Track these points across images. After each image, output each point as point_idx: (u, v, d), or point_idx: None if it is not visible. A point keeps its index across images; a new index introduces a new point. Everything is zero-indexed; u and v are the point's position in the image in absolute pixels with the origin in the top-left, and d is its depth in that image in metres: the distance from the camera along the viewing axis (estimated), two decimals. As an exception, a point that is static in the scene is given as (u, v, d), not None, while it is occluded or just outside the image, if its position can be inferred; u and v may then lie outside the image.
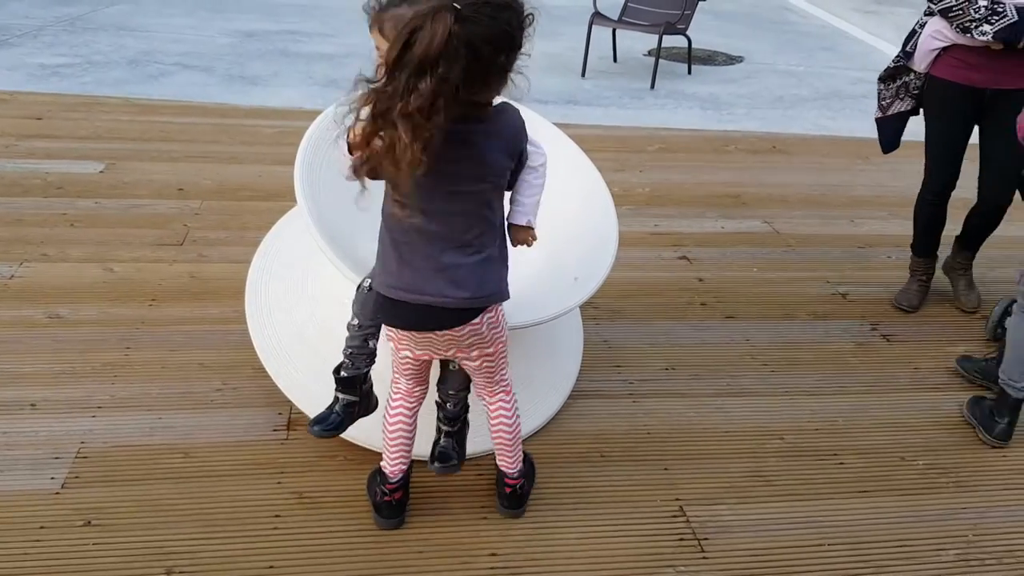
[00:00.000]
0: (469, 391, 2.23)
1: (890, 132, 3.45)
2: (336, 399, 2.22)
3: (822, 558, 2.17)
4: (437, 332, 1.90)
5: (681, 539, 2.20)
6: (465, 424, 2.30)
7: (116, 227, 3.71)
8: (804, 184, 4.74)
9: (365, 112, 1.61)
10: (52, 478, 2.26)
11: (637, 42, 7.67)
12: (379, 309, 1.96)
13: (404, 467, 2.16)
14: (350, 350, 2.17)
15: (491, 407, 2.15)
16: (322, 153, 2.42)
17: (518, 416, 2.18)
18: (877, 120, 3.47)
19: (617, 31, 7.22)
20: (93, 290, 3.19)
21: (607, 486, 2.38)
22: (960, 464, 2.55)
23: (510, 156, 1.85)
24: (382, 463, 2.17)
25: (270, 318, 2.59)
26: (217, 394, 2.65)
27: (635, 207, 4.28)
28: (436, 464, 2.22)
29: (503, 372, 2.10)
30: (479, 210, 1.83)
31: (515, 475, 2.20)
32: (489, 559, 2.11)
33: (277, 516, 2.19)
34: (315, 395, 2.39)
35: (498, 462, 2.22)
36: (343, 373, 2.20)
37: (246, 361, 2.78)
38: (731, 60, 7.70)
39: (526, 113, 2.69)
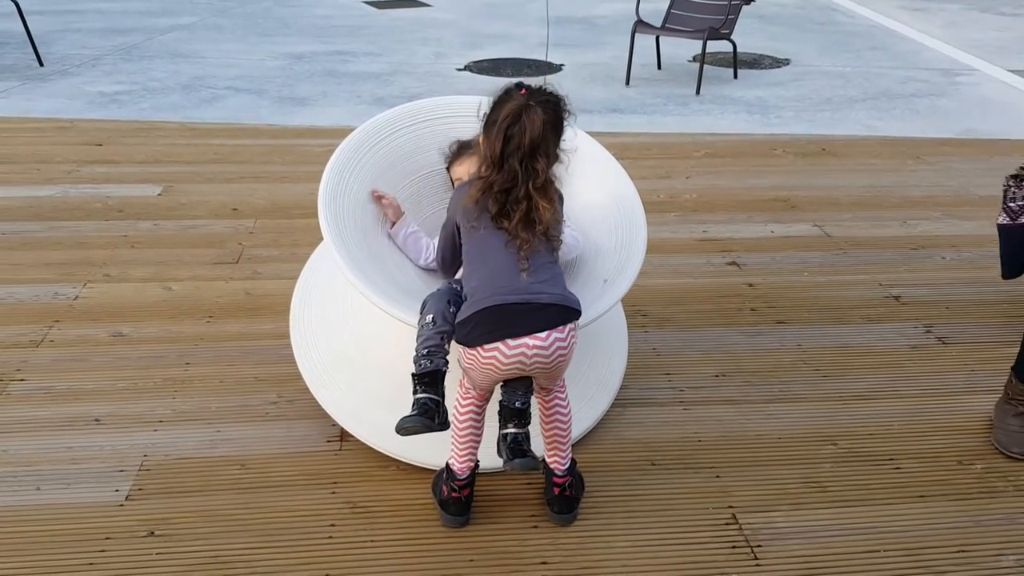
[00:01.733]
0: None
1: (1018, 246, 2.81)
2: (417, 401, 2.08)
3: (878, 564, 2.14)
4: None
5: (734, 547, 2.19)
6: (530, 419, 2.24)
7: (174, 247, 3.82)
8: (855, 186, 4.68)
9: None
10: (117, 490, 2.34)
11: (681, 49, 7.65)
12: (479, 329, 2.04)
13: (472, 463, 2.23)
14: (426, 349, 2.09)
15: (547, 402, 2.21)
16: (344, 181, 2.48)
17: (571, 412, 2.25)
18: (1001, 228, 2.83)
19: (661, 38, 7.22)
20: (154, 308, 3.30)
21: (658, 494, 2.38)
22: (1019, 467, 2.49)
23: None
24: (450, 460, 2.23)
25: (315, 345, 2.65)
26: (272, 407, 2.71)
27: (682, 213, 4.27)
28: (516, 460, 2.12)
29: (563, 376, 2.20)
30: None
31: (564, 471, 2.24)
32: (540, 567, 2.12)
33: (332, 525, 2.24)
34: (365, 418, 2.45)
35: (548, 460, 2.26)
36: (422, 367, 2.09)
37: (299, 374, 2.83)
38: (777, 63, 7.64)
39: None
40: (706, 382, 2.90)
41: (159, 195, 4.41)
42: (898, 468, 2.48)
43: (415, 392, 2.10)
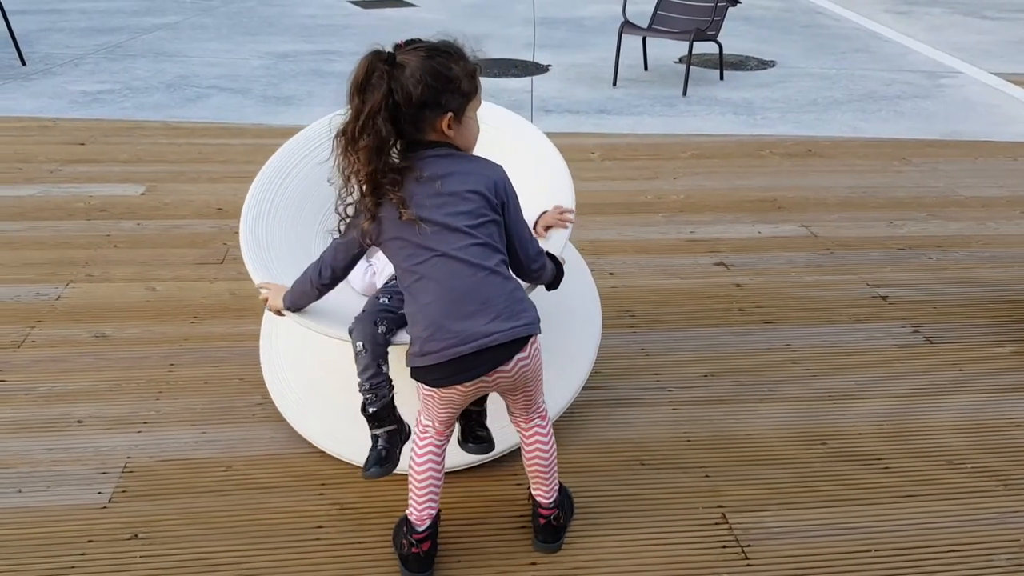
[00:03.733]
0: None
1: None
2: (375, 437, 2.12)
3: (868, 564, 2.13)
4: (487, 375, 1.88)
5: (724, 546, 2.18)
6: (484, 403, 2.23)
7: (158, 247, 3.78)
8: (841, 187, 4.69)
9: None
10: (99, 492, 2.31)
11: (668, 50, 7.66)
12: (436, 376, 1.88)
13: (433, 512, 2.04)
14: (368, 383, 2.07)
15: (526, 433, 2.08)
16: (269, 200, 2.46)
17: (554, 443, 2.10)
18: None
19: (647, 39, 7.22)
20: (137, 309, 3.26)
21: (648, 494, 2.36)
22: (1009, 467, 2.49)
23: None
24: (408, 511, 2.05)
25: (283, 375, 2.64)
26: (258, 408, 2.68)
27: (670, 214, 4.26)
28: (470, 444, 2.17)
29: (540, 398, 2.05)
30: None
31: (550, 504, 2.13)
32: (530, 568, 2.10)
33: (319, 527, 2.21)
34: (345, 439, 2.43)
35: (533, 491, 2.15)
36: (371, 409, 2.08)
37: (286, 375, 2.82)
38: (763, 65, 7.66)
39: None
40: (695, 382, 2.89)
41: (142, 195, 4.36)
42: (887, 468, 2.48)
43: (371, 429, 2.10)
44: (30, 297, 3.32)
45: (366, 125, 1.76)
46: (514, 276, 1.94)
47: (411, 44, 1.84)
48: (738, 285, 3.57)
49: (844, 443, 2.58)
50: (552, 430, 2.10)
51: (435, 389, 1.91)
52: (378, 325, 2.08)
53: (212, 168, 4.76)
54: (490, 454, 2.32)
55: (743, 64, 7.64)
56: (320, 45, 8.02)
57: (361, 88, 1.78)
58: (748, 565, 2.12)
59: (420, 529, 2.02)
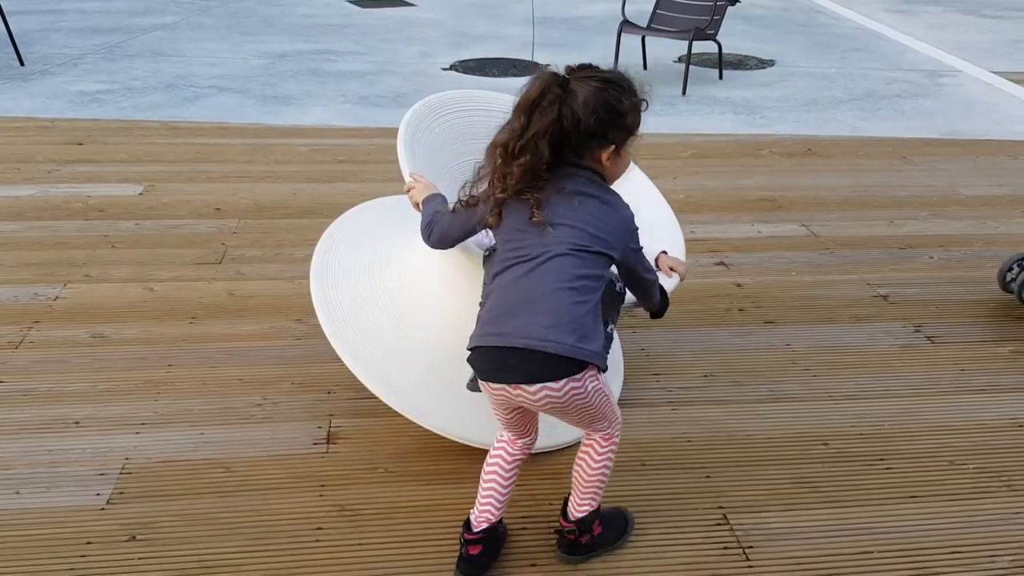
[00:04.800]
0: None
1: None
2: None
3: (871, 566, 2.12)
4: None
5: (725, 547, 2.17)
6: None
7: (156, 247, 3.77)
8: (841, 186, 4.68)
9: None
10: (98, 494, 2.29)
11: (667, 49, 7.65)
12: None
13: (491, 519, 2.01)
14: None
15: (584, 441, 2.03)
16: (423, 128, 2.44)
17: (605, 465, 2.02)
18: None
19: (647, 39, 7.21)
20: (135, 309, 3.24)
21: (648, 495, 2.35)
22: (1012, 467, 2.48)
23: None
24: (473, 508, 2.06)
25: (335, 288, 2.53)
26: (257, 409, 2.67)
27: (669, 214, 4.25)
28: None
29: (602, 423, 1.97)
30: None
31: (574, 519, 2.06)
32: (530, 570, 2.09)
33: (319, 529, 2.20)
34: (371, 361, 2.36)
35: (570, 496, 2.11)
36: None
37: (285, 376, 2.81)
38: (763, 64, 7.65)
39: None
40: (695, 382, 2.88)
41: (140, 194, 4.35)
42: (889, 468, 2.47)
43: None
44: (28, 297, 3.30)
45: (528, 145, 1.77)
46: (596, 305, 1.86)
47: (584, 70, 1.83)
48: (738, 285, 3.56)
49: (845, 443, 2.57)
50: (611, 455, 2.02)
51: (485, 383, 1.88)
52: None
53: (210, 168, 4.74)
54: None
55: (742, 63, 7.63)
56: (319, 45, 8.00)
57: (531, 108, 1.78)
58: (749, 567, 2.11)
59: (473, 530, 2.02)
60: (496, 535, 2.05)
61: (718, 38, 6.81)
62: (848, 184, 4.72)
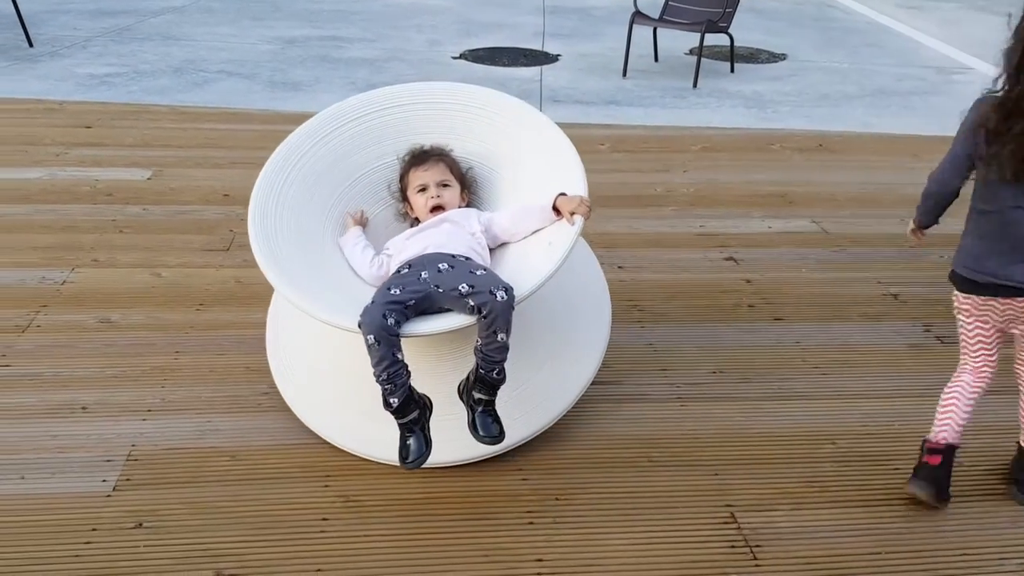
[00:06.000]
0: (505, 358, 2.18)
1: None
2: (404, 427, 2.16)
3: (879, 566, 2.11)
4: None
5: (732, 546, 2.16)
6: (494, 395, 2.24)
7: (164, 233, 3.76)
8: (853, 182, 4.65)
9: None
10: (104, 480, 2.29)
11: (678, 41, 7.60)
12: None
13: (948, 438, 2.26)
14: (384, 372, 2.09)
15: None
16: (278, 190, 2.45)
17: None
18: None
19: (658, 30, 7.16)
20: (142, 295, 3.24)
21: (655, 492, 2.34)
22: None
23: None
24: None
25: (292, 370, 2.61)
26: (264, 397, 2.66)
27: (680, 208, 4.23)
28: (480, 433, 2.20)
29: None
30: None
31: None
32: (535, 565, 2.09)
33: (324, 519, 2.19)
34: (349, 428, 2.42)
35: None
36: (393, 401, 2.12)
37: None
38: (774, 58, 7.60)
39: (510, 102, 2.66)
40: (703, 379, 2.86)
41: (148, 179, 4.34)
42: (898, 469, 2.45)
43: (398, 420, 2.16)
44: (36, 281, 3.30)
45: None
46: None
47: None
48: (748, 281, 3.54)
49: (854, 443, 2.56)
50: None
51: (972, 297, 2.20)
52: (387, 317, 2.06)
53: (219, 154, 4.73)
54: (496, 447, 2.30)
55: (754, 57, 7.58)
56: (328, 31, 7.97)
57: None
58: (757, 566, 2.10)
59: (932, 439, 2.27)
60: (951, 460, 2.26)
61: (730, 31, 6.76)
62: (859, 181, 4.68)
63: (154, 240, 3.68)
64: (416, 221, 2.55)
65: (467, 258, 2.30)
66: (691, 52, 7.41)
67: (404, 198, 2.58)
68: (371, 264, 2.42)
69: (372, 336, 2.06)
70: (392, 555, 2.10)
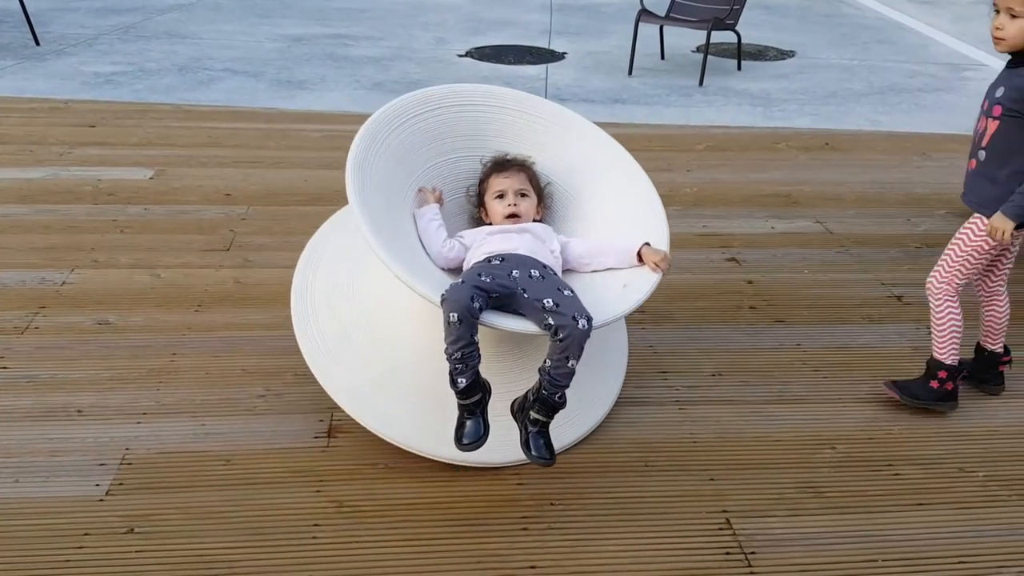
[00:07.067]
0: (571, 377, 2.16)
1: None
2: (466, 409, 2.16)
3: (876, 574, 2.09)
4: None
5: (728, 553, 2.14)
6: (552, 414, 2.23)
7: (164, 233, 3.75)
8: (859, 182, 4.61)
9: None
10: (97, 485, 2.29)
11: (685, 39, 7.56)
12: None
13: (957, 358, 2.61)
14: (460, 351, 2.09)
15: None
16: (373, 151, 2.42)
17: None
18: None
19: (664, 28, 7.13)
20: (141, 296, 3.24)
21: (651, 496, 2.32)
22: (1022, 476, 2.43)
23: None
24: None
25: (316, 319, 2.55)
26: (260, 400, 2.66)
27: (682, 207, 4.20)
28: (533, 454, 2.19)
29: None
30: None
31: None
32: (528, 571, 2.07)
33: (316, 525, 2.18)
34: (362, 396, 2.38)
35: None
36: (461, 381, 2.12)
37: (288, 367, 2.79)
38: (782, 55, 7.55)
39: (568, 115, 2.69)
40: (703, 381, 2.84)
41: (151, 179, 4.34)
42: (897, 474, 2.43)
43: (460, 401, 2.16)
44: (35, 282, 3.30)
45: None
46: None
47: None
48: (750, 282, 3.51)
49: (853, 448, 2.53)
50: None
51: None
52: (474, 300, 2.08)
53: (222, 153, 4.72)
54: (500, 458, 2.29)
55: (761, 54, 7.53)
56: (335, 29, 7.96)
57: None
58: (752, 573, 2.08)
59: (947, 364, 2.62)
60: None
61: (737, 28, 6.72)
62: (865, 180, 4.64)
63: (154, 240, 3.68)
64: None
65: (555, 273, 2.31)
66: (698, 50, 7.37)
67: (480, 203, 2.57)
68: (443, 244, 2.41)
69: (456, 315, 2.06)
70: (384, 562, 2.09)
